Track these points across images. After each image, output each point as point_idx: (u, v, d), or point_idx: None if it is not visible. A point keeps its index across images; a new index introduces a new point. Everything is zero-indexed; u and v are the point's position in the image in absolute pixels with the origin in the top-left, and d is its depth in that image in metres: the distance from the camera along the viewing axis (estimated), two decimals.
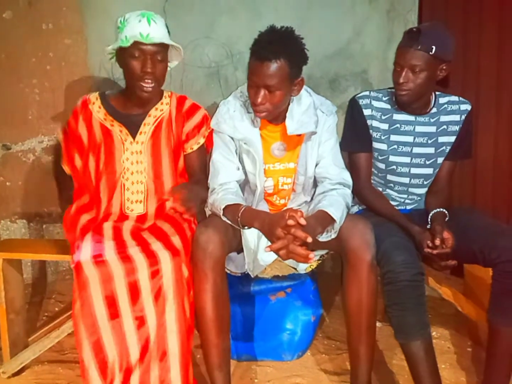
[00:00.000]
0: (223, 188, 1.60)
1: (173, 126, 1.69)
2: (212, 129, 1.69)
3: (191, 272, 1.49)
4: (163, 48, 1.58)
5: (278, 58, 1.45)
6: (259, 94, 1.49)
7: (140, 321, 1.38)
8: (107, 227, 1.58)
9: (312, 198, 1.71)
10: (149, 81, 1.55)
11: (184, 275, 1.45)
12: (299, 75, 1.54)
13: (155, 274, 1.39)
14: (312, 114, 1.63)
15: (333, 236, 1.49)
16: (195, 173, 1.73)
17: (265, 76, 1.46)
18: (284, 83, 1.50)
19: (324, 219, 1.47)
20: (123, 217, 1.64)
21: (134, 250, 1.43)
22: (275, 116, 1.60)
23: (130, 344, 1.38)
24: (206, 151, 1.75)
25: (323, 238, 1.49)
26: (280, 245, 1.35)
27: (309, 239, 1.33)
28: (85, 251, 1.42)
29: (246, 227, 1.50)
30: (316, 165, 1.68)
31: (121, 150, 1.65)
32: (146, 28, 1.54)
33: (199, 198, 1.57)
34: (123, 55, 1.56)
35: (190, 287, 1.48)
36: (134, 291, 1.38)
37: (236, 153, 1.66)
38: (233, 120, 1.61)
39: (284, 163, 1.69)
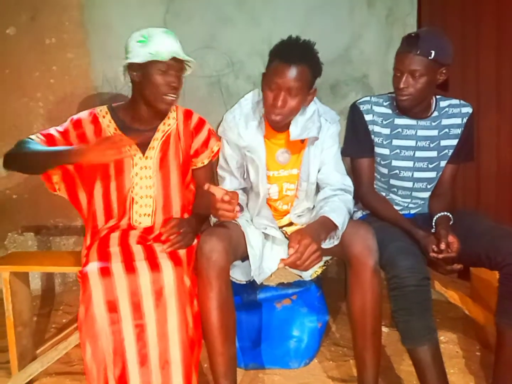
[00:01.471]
0: None
1: (181, 140, 1.71)
2: (218, 149, 1.76)
3: (193, 282, 1.50)
4: (183, 65, 1.63)
5: (304, 63, 1.49)
6: (279, 97, 1.51)
7: (140, 329, 1.39)
8: (114, 236, 1.60)
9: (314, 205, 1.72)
10: (174, 95, 1.59)
11: (186, 285, 1.46)
12: (313, 86, 1.57)
13: (156, 282, 1.40)
14: (316, 121, 1.65)
15: (336, 242, 1.50)
16: (202, 185, 1.73)
17: (290, 79, 1.48)
18: (304, 89, 1.53)
19: (326, 225, 1.48)
20: (130, 228, 1.66)
21: (139, 258, 1.45)
22: (283, 124, 1.62)
23: (128, 351, 1.38)
24: (211, 163, 1.80)
25: (326, 244, 1.49)
26: (293, 258, 1.36)
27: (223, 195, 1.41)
28: (93, 261, 1.45)
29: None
30: (318, 171, 1.70)
31: (130, 165, 1.65)
32: (175, 45, 1.59)
33: (194, 234, 1.59)
34: (144, 71, 1.56)
35: (193, 298, 1.48)
36: (135, 299, 1.39)
37: (243, 160, 1.69)
38: (237, 128, 1.64)
39: (288, 170, 1.71)
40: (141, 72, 1.58)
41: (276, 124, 1.61)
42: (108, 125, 1.67)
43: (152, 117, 1.67)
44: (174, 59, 1.56)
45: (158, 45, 1.55)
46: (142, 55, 1.55)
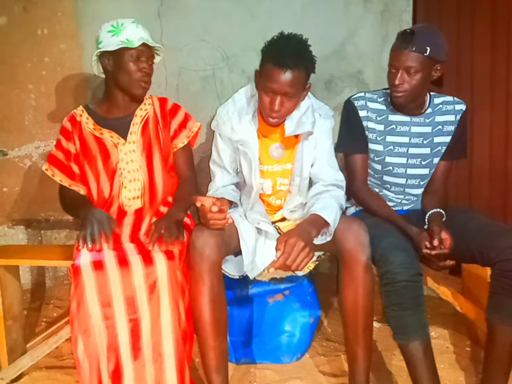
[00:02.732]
0: (221, 190, 1.66)
1: (159, 123, 1.79)
2: (198, 130, 1.85)
3: (185, 276, 1.50)
4: (153, 53, 1.74)
5: (299, 67, 1.46)
6: (276, 101, 1.50)
7: (134, 324, 1.39)
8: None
9: None
10: (147, 80, 1.70)
11: (178, 279, 1.46)
12: (308, 82, 1.56)
13: (150, 275, 1.41)
14: (310, 116, 1.64)
15: (329, 238, 1.50)
16: (184, 171, 1.83)
17: (286, 84, 1.46)
18: (300, 90, 1.53)
19: (317, 222, 1.48)
20: (121, 213, 1.71)
21: (131, 252, 1.47)
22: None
23: (122, 346, 1.39)
24: (190, 147, 1.88)
25: (319, 240, 1.49)
26: (282, 260, 1.37)
27: (214, 207, 1.41)
28: (85, 255, 1.45)
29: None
30: (311, 166, 1.69)
31: (115, 153, 1.73)
32: (144, 33, 1.68)
33: (178, 223, 1.61)
34: (117, 58, 1.65)
35: (185, 292, 1.49)
36: (129, 293, 1.39)
37: (236, 154, 1.68)
38: (231, 122, 1.63)
39: (282, 164, 1.71)
40: (113, 61, 1.67)
41: (273, 125, 1.61)
42: (87, 122, 1.76)
43: (128, 103, 1.75)
44: (144, 45, 1.66)
45: (128, 33, 1.64)
46: (113, 44, 1.63)
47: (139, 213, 1.71)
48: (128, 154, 1.73)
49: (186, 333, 1.47)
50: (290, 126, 1.61)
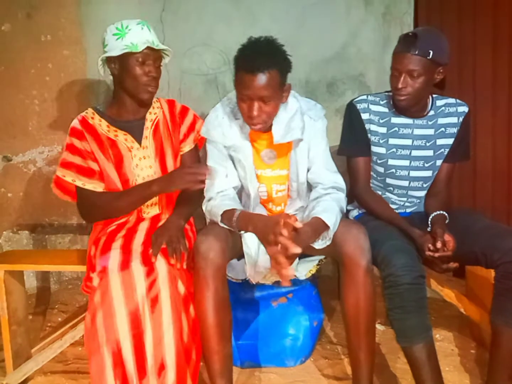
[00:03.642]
0: (221, 195, 1.61)
1: (169, 126, 1.75)
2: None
3: (188, 287, 1.49)
4: (160, 54, 1.68)
5: (269, 68, 1.43)
6: (253, 107, 1.47)
7: (138, 339, 1.37)
8: (119, 236, 1.58)
9: None
10: (153, 85, 1.64)
11: (180, 292, 1.46)
12: (286, 82, 1.53)
13: (152, 285, 1.40)
14: (299, 120, 1.60)
15: (328, 242, 1.48)
16: None
17: (259, 88, 1.44)
18: (277, 92, 1.49)
19: (318, 226, 1.46)
20: (139, 220, 1.69)
21: (135, 262, 1.44)
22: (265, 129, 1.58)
23: (127, 362, 1.36)
24: (198, 149, 1.83)
25: (319, 245, 1.48)
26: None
27: (297, 250, 1.34)
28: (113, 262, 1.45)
29: (243, 231, 1.51)
30: (308, 171, 1.67)
31: (129, 158, 1.67)
32: (150, 35, 1.63)
33: (178, 233, 1.57)
34: (122, 63, 1.60)
35: (189, 305, 1.48)
36: (132, 308, 1.38)
37: (230, 159, 1.65)
38: (221, 127, 1.60)
39: (275, 170, 1.67)
40: (119, 65, 1.62)
41: (260, 130, 1.58)
42: (100, 124, 1.69)
43: (137, 107, 1.71)
44: (149, 48, 1.60)
45: (133, 36, 1.58)
46: (118, 48, 1.58)
47: (155, 219, 1.69)
48: (143, 160, 1.68)
49: (190, 347, 1.45)
50: (278, 132, 1.57)
